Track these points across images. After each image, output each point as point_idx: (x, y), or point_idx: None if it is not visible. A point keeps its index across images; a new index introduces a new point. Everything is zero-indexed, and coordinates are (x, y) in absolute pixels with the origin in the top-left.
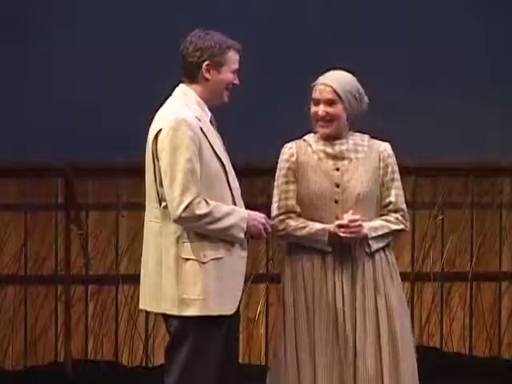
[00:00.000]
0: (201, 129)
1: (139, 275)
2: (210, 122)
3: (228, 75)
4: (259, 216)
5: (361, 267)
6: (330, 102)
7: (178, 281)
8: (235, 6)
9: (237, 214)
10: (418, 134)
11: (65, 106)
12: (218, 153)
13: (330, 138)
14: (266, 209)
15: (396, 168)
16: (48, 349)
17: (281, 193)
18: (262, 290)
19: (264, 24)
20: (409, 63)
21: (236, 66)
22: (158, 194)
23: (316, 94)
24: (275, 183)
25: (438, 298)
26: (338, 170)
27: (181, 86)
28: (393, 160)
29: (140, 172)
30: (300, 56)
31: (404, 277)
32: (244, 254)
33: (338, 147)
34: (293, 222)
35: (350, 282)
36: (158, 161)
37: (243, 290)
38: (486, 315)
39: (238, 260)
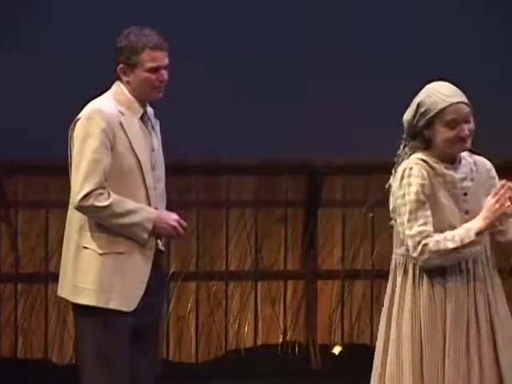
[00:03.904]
0: (120, 123)
1: None
2: (142, 118)
3: (143, 75)
4: (171, 218)
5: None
6: (468, 119)
7: (74, 268)
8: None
9: (143, 214)
10: (347, 132)
11: (2, 104)
12: (136, 149)
13: (448, 160)
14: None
15: None
16: None
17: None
18: (193, 287)
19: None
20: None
21: (154, 64)
22: None
23: (454, 115)
24: (406, 210)
25: (369, 296)
26: (465, 194)
27: (117, 81)
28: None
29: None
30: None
31: (334, 274)
32: (149, 253)
33: (459, 169)
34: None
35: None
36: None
37: (173, 288)
38: None
39: (141, 258)
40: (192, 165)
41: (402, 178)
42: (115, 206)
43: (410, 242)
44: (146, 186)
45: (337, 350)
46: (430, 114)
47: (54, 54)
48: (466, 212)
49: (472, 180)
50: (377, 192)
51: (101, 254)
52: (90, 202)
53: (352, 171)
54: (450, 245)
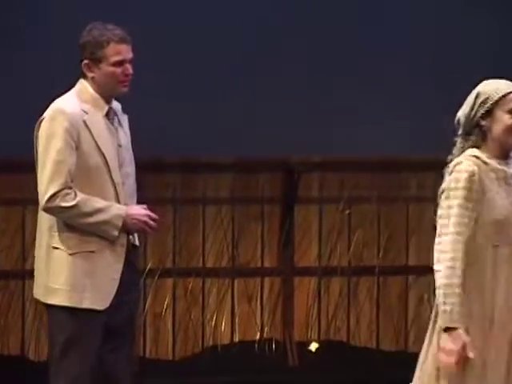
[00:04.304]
0: (84, 122)
1: None
2: (107, 115)
3: (108, 69)
4: (141, 213)
5: None
6: None
7: (46, 268)
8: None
9: (111, 211)
10: (323, 130)
11: None
12: (102, 147)
13: (500, 156)
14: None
15: None
16: None
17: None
18: (169, 284)
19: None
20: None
21: (118, 58)
22: None
23: None
24: (447, 203)
25: (345, 292)
26: None
27: (81, 79)
28: None
29: None
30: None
31: (311, 271)
32: (120, 250)
33: (511, 165)
34: None
35: None
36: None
37: (150, 285)
38: (393, 309)
39: (112, 256)
40: (170, 162)
41: (451, 172)
42: (82, 205)
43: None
44: (113, 182)
45: (313, 346)
46: (491, 101)
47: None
48: None
49: None
50: (353, 189)
51: (71, 254)
52: (57, 202)
53: (328, 168)
54: (442, 286)
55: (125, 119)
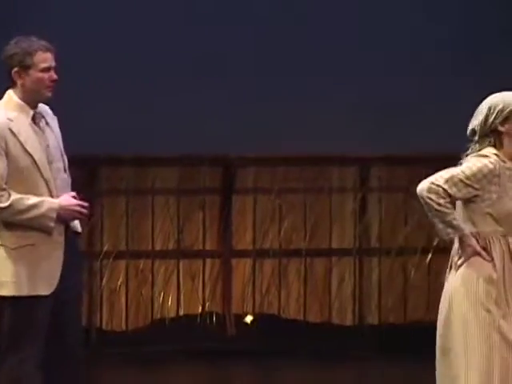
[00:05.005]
0: (10, 129)
1: None
2: (33, 119)
3: (37, 75)
4: (72, 204)
5: None
6: None
7: None
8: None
9: (44, 206)
10: (258, 130)
11: None
12: (30, 150)
13: None
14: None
15: None
16: None
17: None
18: (123, 265)
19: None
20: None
21: (46, 65)
22: None
23: None
24: (456, 170)
25: (277, 272)
26: None
27: (7, 91)
28: None
29: None
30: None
31: (247, 253)
32: (59, 238)
33: None
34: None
35: None
36: None
37: (105, 266)
38: (318, 286)
39: (53, 246)
40: (123, 158)
41: (477, 156)
42: (16, 204)
43: (432, 178)
44: (45, 179)
45: (249, 319)
46: (509, 109)
47: None
48: None
49: None
50: (283, 181)
51: (14, 249)
52: None
53: (261, 164)
54: (440, 209)
55: (54, 120)
